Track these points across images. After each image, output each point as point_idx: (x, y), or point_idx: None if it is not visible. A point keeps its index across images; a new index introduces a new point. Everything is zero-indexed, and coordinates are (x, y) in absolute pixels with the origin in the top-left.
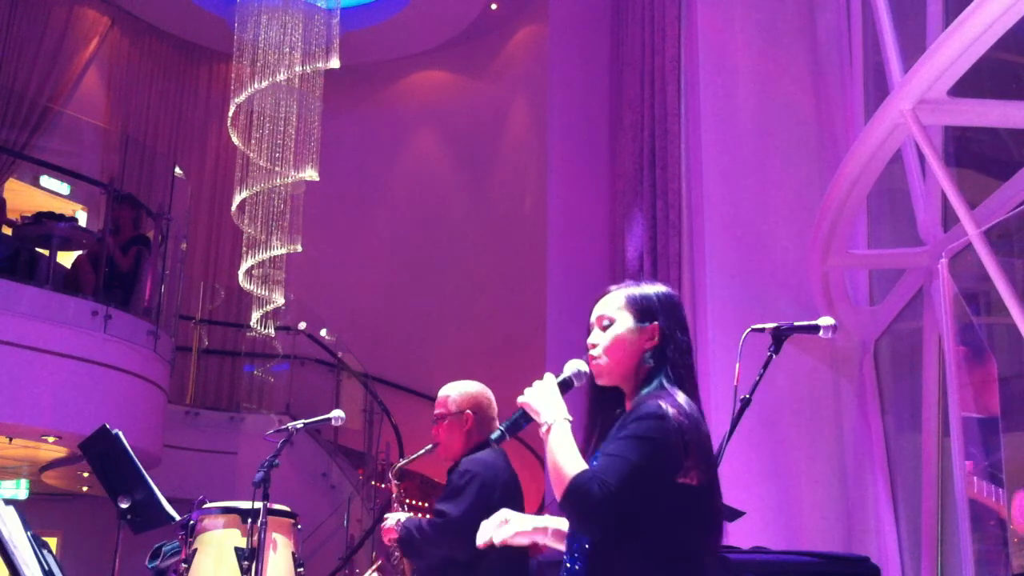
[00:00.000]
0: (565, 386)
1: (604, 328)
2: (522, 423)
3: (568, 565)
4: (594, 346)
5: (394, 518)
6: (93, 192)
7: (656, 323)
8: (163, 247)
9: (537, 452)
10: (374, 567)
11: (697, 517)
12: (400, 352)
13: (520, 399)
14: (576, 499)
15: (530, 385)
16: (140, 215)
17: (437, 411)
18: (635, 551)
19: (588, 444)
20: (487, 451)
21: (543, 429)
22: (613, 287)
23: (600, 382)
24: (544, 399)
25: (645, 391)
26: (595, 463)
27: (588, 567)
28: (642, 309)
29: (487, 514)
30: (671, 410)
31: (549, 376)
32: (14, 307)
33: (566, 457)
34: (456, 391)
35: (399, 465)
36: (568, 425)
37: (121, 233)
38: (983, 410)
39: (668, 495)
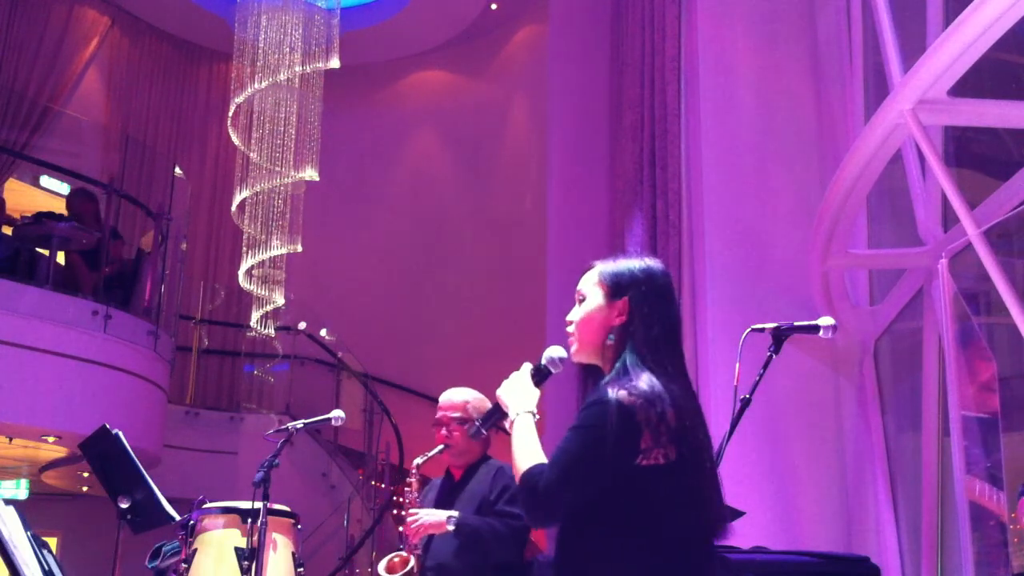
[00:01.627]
0: (541, 374)
1: (580, 304)
2: (497, 416)
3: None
4: (570, 323)
5: (430, 514)
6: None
7: (625, 297)
8: (163, 247)
9: None
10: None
11: (674, 495)
12: (400, 352)
13: (497, 391)
14: (524, 492)
15: (498, 390)
16: (98, 208)
17: (455, 415)
18: (600, 537)
19: None
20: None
21: (507, 423)
22: (597, 261)
23: (576, 358)
24: (513, 392)
25: (608, 376)
26: None
27: (558, 556)
28: (613, 284)
29: None
30: (620, 393)
31: (526, 365)
32: (14, 307)
33: (523, 451)
34: (474, 398)
35: (421, 462)
36: (531, 418)
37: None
38: (983, 410)
39: (632, 479)
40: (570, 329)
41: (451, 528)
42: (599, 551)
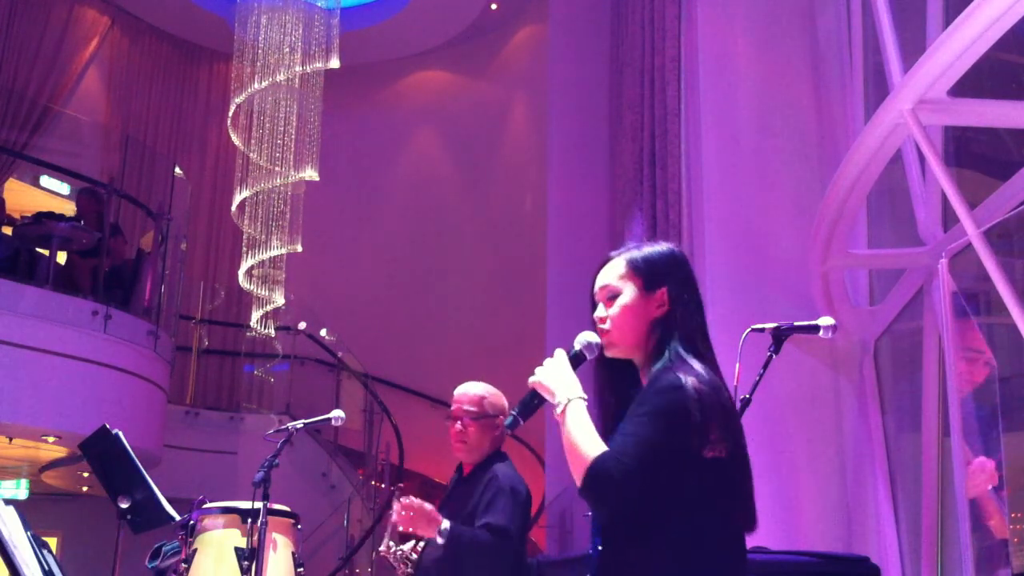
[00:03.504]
0: (577, 360)
1: (609, 301)
2: (536, 404)
3: (592, 549)
4: (603, 320)
5: (425, 516)
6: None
7: (663, 288)
8: (163, 247)
9: (536, 452)
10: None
11: (729, 490)
12: (400, 352)
13: (531, 379)
14: (596, 482)
15: (532, 378)
16: (102, 210)
17: (470, 408)
18: (662, 526)
19: (603, 424)
20: (508, 463)
21: (558, 410)
22: (614, 253)
23: (610, 354)
24: (557, 377)
25: (659, 364)
26: (612, 443)
27: (605, 549)
28: (648, 274)
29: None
30: (690, 379)
31: (560, 352)
32: (14, 307)
33: (584, 437)
34: (490, 393)
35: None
36: (584, 403)
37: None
38: (983, 410)
39: (696, 470)
40: (605, 327)
41: (440, 541)
42: (660, 539)
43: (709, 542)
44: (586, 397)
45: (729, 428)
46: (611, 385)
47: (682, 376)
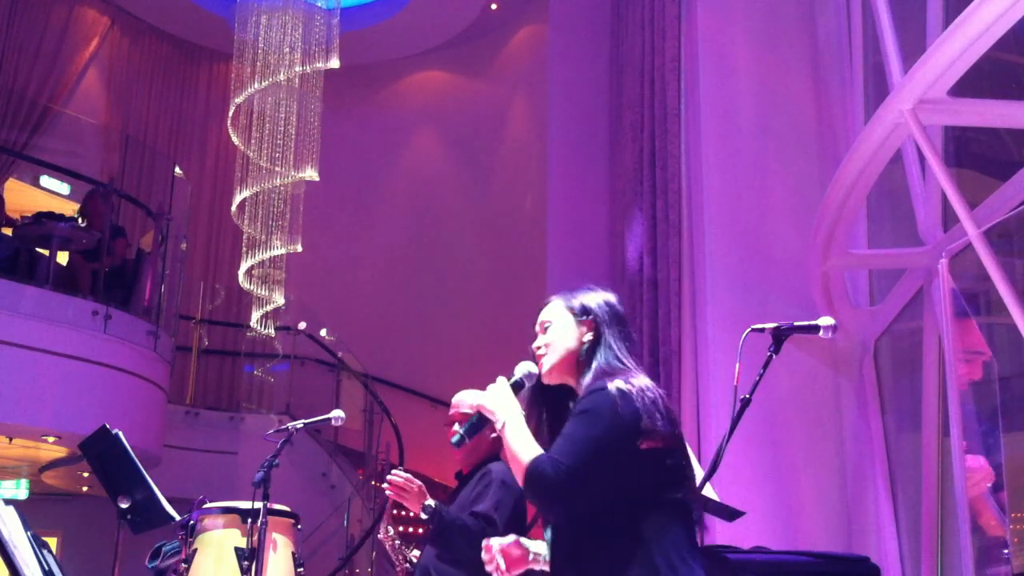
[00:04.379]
0: (517, 387)
1: (544, 331)
2: (480, 425)
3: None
4: (538, 347)
5: (414, 490)
6: None
7: (592, 317)
8: (163, 247)
9: None
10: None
11: (671, 477)
12: (400, 352)
13: (474, 402)
14: (534, 481)
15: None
16: (110, 212)
17: (468, 412)
18: (610, 519)
19: (537, 439)
20: (503, 462)
21: (498, 425)
22: (553, 296)
23: (547, 379)
24: (497, 400)
25: (587, 378)
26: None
27: (554, 546)
28: (577, 308)
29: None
30: (616, 381)
31: (501, 379)
32: (14, 307)
33: (521, 446)
34: None
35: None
36: (522, 418)
37: (93, 226)
38: (983, 410)
39: (634, 462)
40: (541, 352)
41: (424, 516)
42: (609, 529)
43: (658, 530)
44: (524, 412)
45: (659, 418)
46: (541, 402)
47: (606, 381)
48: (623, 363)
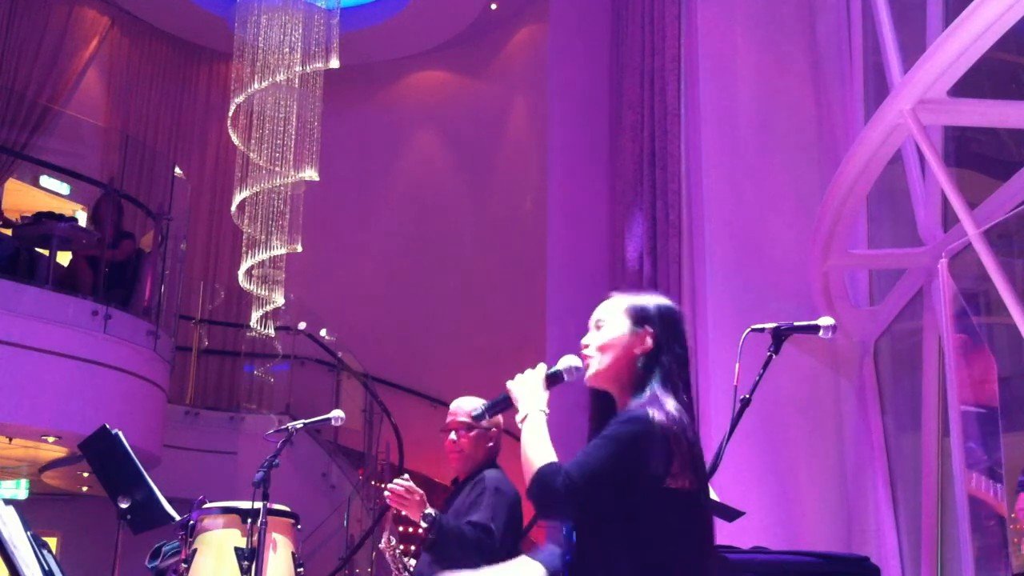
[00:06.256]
0: (554, 379)
1: (599, 329)
2: (504, 406)
3: (566, 559)
4: (586, 345)
5: (415, 499)
6: (93, 192)
7: (651, 329)
8: (163, 247)
9: None
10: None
11: (687, 521)
12: (400, 352)
13: (509, 383)
14: (539, 488)
15: (509, 382)
16: (121, 217)
17: (464, 420)
18: (617, 547)
19: None
20: (498, 470)
21: (519, 418)
22: (615, 293)
23: (589, 382)
24: (526, 389)
25: (636, 398)
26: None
27: (575, 559)
28: (637, 314)
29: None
30: (658, 415)
31: (541, 367)
32: (14, 307)
33: (536, 447)
34: None
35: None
36: (543, 417)
37: (103, 230)
38: (983, 410)
39: (654, 497)
40: (588, 352)
41: (423, 524)
42: (621, 565)
43: (672, 568)
44: (547, 411)
45: (691, 466)
46: (600, 413)
47: (651, 411)
48: (677, 390)
